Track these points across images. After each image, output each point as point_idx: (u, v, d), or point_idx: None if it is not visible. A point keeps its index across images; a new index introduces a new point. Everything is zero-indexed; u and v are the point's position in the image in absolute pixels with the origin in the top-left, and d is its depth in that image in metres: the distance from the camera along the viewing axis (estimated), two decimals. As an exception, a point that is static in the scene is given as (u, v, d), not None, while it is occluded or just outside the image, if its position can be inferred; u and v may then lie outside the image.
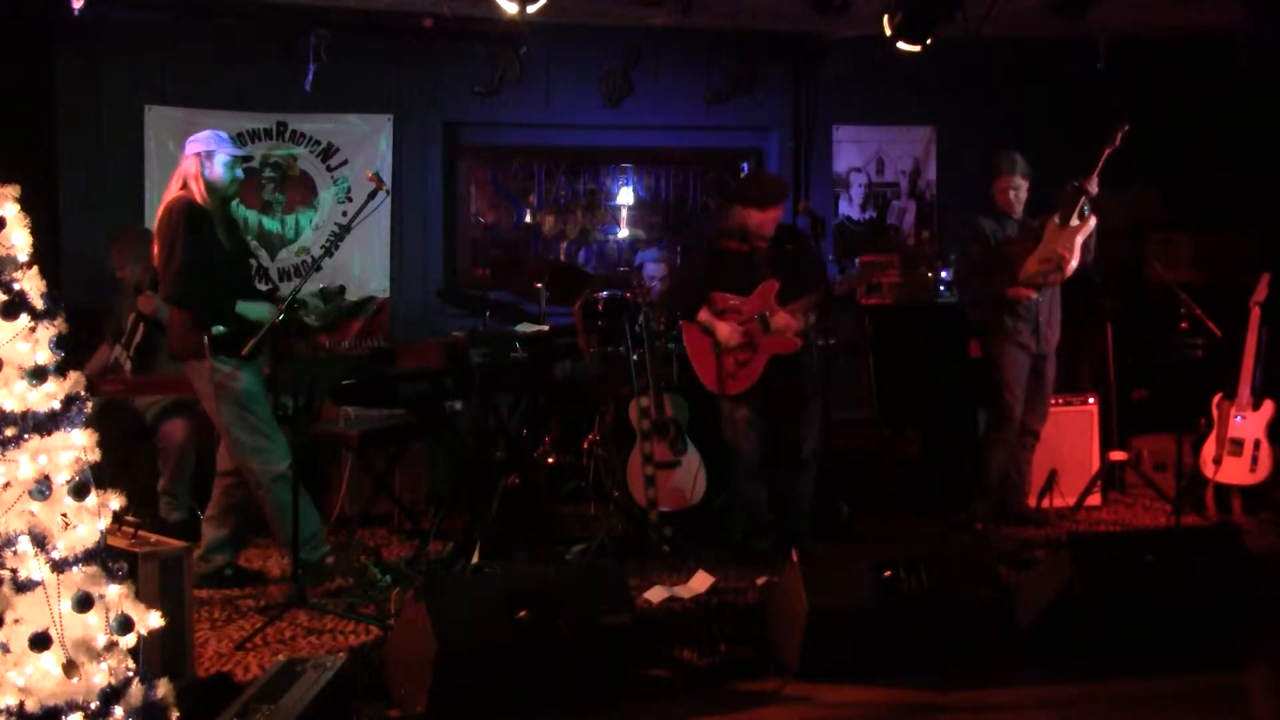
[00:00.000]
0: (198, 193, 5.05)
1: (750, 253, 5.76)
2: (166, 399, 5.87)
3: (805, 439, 5.71)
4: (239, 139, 7.30)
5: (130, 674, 3.05)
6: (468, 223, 7.82)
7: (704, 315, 5.74)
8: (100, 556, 3.02)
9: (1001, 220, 6.18)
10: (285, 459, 5.03)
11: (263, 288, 5.67)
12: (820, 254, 6.10)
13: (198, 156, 5.07)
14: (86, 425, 3.04)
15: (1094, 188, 5.80)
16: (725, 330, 5.68)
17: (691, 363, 5.86)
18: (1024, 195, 6.15)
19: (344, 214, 7.22)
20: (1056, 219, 5.91)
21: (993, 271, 6.09)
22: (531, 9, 5.65)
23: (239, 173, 5.19)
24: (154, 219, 7.06)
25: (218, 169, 5.09)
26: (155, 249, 5.09)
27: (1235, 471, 6.43)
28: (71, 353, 3.11)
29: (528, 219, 7.99)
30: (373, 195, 4.88)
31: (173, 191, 5.11)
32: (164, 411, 5.87)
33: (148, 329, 5.88)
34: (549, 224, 8.01)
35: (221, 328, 4.90)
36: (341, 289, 5.38)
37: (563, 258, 7.79)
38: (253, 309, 5.02)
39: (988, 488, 6.24)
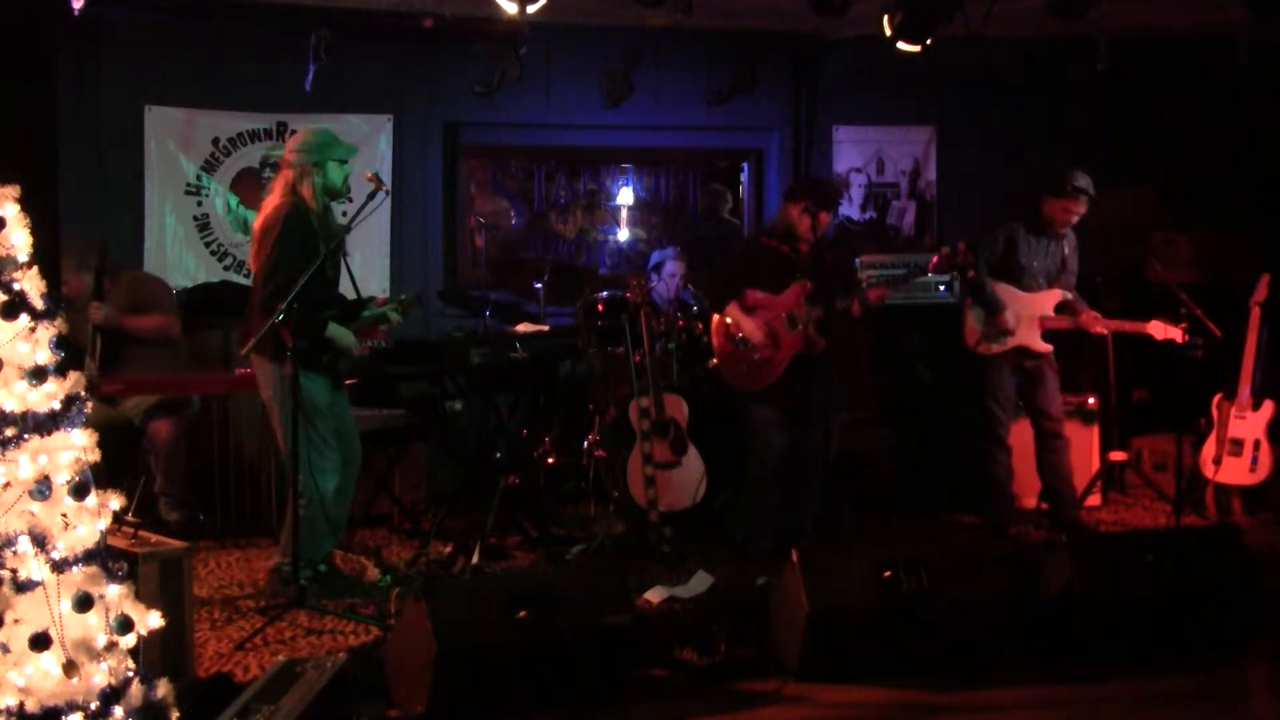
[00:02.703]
0: (309, 199, 4.90)
1: (790, 254, 5.76)
2: (151, 400, 5.87)
3: (825, 447, 5.69)
4: (239, 139, 7.33)
5: (130, 674, 3.05)
6: (468, 223, 7.82)
7: (732, 310, 5.73)
8: (100, 556, 3.02)
9: (1041, 235, 6.02)
10: (333, 478, 4.95)
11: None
12: (855, 271, 6.02)
13: (306, 164, 4.90)
14: (86, 426, 3.04)
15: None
16: (749, 325, 5.68)
17: (716, 357, 5.88)
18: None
19: (344, 214, 7.17)
20: None
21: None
22: (531, 9, 5.65)
23: (348, 168, 5.05)
24: (153, 218, 7.18)
25: (332, 176, 4.96)
26: (253, 251, 4.97)
27: (1235, 471, 6.43)
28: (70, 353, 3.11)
29: (527, 219, 7.99)
30: (372, 195, 4.86)
31: (277, 196, 4.93)
32: (149, 412, 5.86)
33: (104, 338, 5.85)
34: (549, 224, 8.01)
35: (306, 342, 4.74)
36: (418, 298, 5.35)
37: (564, 258, 7.79)
38: (340, 333, 4.97)
39: (1007, 498, 6.18)
